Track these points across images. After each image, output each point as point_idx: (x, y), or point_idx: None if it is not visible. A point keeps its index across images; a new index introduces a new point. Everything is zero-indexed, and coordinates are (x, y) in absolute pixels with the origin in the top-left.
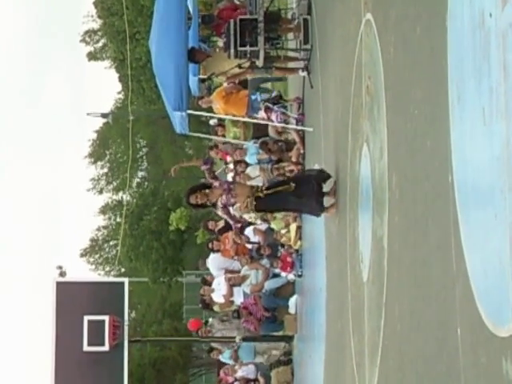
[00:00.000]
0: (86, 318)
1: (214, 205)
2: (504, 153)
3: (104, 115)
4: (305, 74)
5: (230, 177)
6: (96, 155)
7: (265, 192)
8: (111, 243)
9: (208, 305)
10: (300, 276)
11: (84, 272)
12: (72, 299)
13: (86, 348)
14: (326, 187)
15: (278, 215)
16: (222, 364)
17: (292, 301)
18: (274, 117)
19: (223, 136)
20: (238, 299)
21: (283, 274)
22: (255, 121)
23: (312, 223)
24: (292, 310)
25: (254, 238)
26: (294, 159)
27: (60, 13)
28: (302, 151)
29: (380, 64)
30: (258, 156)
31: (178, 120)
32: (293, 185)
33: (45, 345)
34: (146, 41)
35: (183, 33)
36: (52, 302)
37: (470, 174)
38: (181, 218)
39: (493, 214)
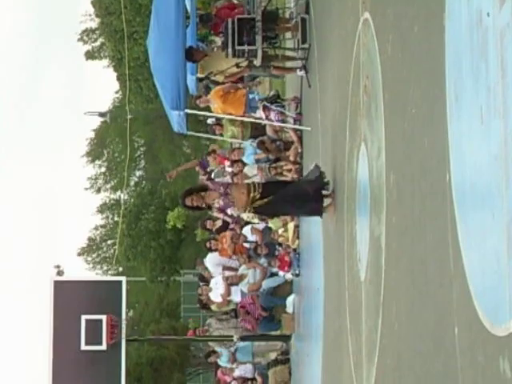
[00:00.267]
0: (84, 317)
1: (210, 207)
2: (501, 151)
3: (102, 114)
4: (302, 73)
5: (226, 179)
6: (94, 154)
7: (259, 203)
8: (109, 242)
9: (205, 305)
10: (297, 275)
11: (82, 271)
12: (69, 298)
13: (83, 347)
14: (325, 191)
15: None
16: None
17: (289, 300)
18: (272, 115)
19: (221, 135)
20: (236, 298)
21: (281, 273)
22: (253, 120)
23: (309, 222)
24: (289, 309)
25: (252, 237)
26: (291, 158)
27: (58, 12)
28: (299, 150)
29: (378, 63)
30: (255, 156)
31: (176, 119)
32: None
33: (42, 344)
34: (144, 40)
35: (181, 32)
36: (49, 301)
37: (467, 172)
38: (178, 216)
39: (490, 213)
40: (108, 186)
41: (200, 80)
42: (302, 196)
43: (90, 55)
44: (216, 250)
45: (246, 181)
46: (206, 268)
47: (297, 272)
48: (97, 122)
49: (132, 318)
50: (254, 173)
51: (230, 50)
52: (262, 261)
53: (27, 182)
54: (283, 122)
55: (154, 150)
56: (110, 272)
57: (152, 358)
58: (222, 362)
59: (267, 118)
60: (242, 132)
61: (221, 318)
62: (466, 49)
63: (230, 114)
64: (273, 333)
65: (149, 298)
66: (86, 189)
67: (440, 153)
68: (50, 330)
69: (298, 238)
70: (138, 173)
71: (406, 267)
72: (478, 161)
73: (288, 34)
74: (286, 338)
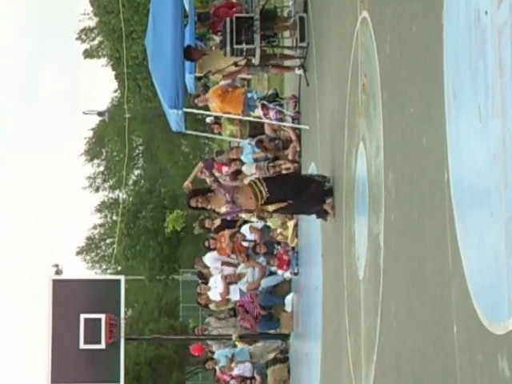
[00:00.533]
0: (83, 316)
1: (214, 211)
2: (500, 150)
3: (100, 113)
4: (301, 72)
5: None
6: (92, 153)
7: (270, 209)
8: (107, 241)
9: (205, 304)
10: (296, 274)
11: (80, 270)
12: (68, 297)
13: (82, 346)
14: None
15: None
16: None
17: (288, 299)
18: (272, 114)
19: (219, 134)
20: (235, 297)
21: (279, 272)
22: (251, 119)
23: (308, 221)
24: (288, 308)
25: (250, 236)
26: (290, 157)
27: (56, 11)
28: (298, 149)
29: (376, 62)
30: (254, 155)
31: (174, 118)
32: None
33: (41, 343)
34: (143, 39)
35: (179, 31)
36: (48, 300)
37: (465, 171)
38: (177, 219)
39: (489, 211)
40: (106, 184)
41: (198, 79)
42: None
43: (88, 54)
44: (214, 248)
45: (245, 180)
46: (205, 265)
47: (295, 271)
48: (95, 120)
49: (131, 317)
50: (252, 172)
51: (228, 48)
52: (261, 259)
53: (25, 180)
54: (282, 120)
55: (152, 148)
56: (108, 271)
57: (151, 356)
58: (220, 365)
59: (266, 116)
60: (241, 131)
61: (220, 316)
62: (464, 47)
63: (229, 113)
64: (271, 331)
65: (147, 297)
66: (85, 188)
67: (438, 151)
68: (48, 328)
69: (296, 236)
70: (136, 172)
71: (404, 266)
72: (477, 160)
73: (286, 33)
74: (284, 337)
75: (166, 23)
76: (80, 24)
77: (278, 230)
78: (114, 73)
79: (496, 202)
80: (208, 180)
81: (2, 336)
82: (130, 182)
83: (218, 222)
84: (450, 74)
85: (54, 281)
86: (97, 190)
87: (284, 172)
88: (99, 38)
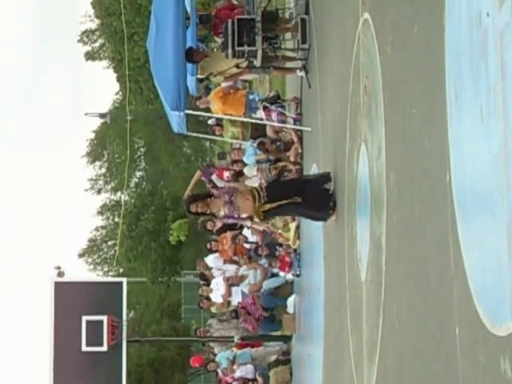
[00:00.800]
0: (84, 318)
1: (214, 215)
2: (502, 151)
3: (102, 115)
4: (303, 73)
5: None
6: (94, 155)
7: (268, 206)
8: (109, 243)
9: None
10: (298, 276)
11: (82, 272)
12: (70, 299)
13: (84, 348)
14: (328, 186)
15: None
16: None
17: (290, 300)
18: (274, 116)
19: (221, 136)
20: (237, 299)
21: (281, 273)
22: (253, 121)
23: (310, 223)
24: (290, 309)
25: (252, 238)
26: (292, 159)
27: (58, 13)
28: (299, 151)
29: (378, 63)
30: (256, 157)
31: (176, 120)
32: (298, 199)
33: (43, 345)
34: (144, 41)
35: (181, 33)
36: (50, 303)
37: (467, 172)
38: (181, 226)
39: (491, 212)
40: (108, 187)
41: (200, 81)
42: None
43: (89, 56)
44: (216, 250)
45: (246, 181)
46: (207, 267)
47: (297, 272)
48: (97, 122)
49: (133, 319)
50: (253, 173)
51: (229, 50)
52: (263, 261)
53: (27, 183)
54: (283, 122)
55: (154, 150)
56: (110, 273)
57: (153, 358)
58: (222, 367)
59: (268, 118)
60: (243, 133)
61: (222, 318)
62: (466, 49)
63: (230, 115)
64: (273, 333)
65: (149, 299)
66: (87, 190)
67: (440, 153)
68: (50, 331)
69: (298, 238)
70: (138, 174)
71: (406, 267)
72: (479, 161)
73: (288, 35)
74: (286, 339)
75: (168, 25)
76: (82, 26)
77: (280, 232)
78: (115, 75)
79: (498, 203)
80: (207, 185)
81: (4, 338)
82: (132, 183)
83: (219, 223)
84: (451, 76)
85: (56, 283)
86: (99, 192)
87: (285, 174)
88: (101, 40)
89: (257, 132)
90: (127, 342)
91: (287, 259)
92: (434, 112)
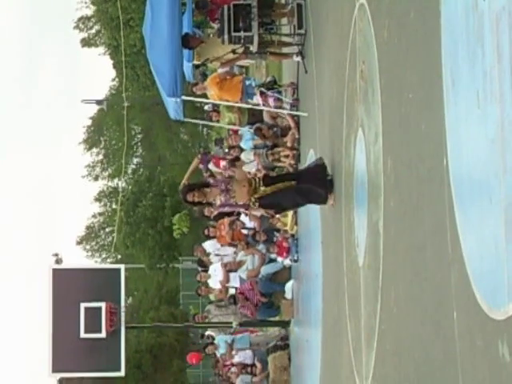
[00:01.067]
0: (83, 305)
1: (211, 204)
2: (498, 136)
3: (99, 102)
4: (299, 59)
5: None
6: (91, 142)
7: (264, 189)
8: (107, 230)
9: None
10: (296, 261)
11: (80, 259)
12: (68, 286)
13: (82, 335)
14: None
15: None
16: None
17: (288, 286)
18: (271, 101)
19: (218, 121)
20: (235, 284)
21: (279, 259)
22: (250, 106)
23: (308, 208)
24: (288, 295)
25: (250, 224)
26: (289, 144)
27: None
28: (296, 136)
29: (374, 48)
30: (253, 142)
31: (173, 106)
32: (293, 182)
33: (42, 332)
34: (140, 27)
35: (177, 19)
36: (48, 290)
37: (464, 157)
38: (182, 218)
39: (488, 197)
40: (106, 173)
41: (196, 67)
42: (305, 189)
43: (86, 43)
44: (214, 236)
45: (244, 167)
46: (205, 253)
47: (295, 258)
48: (94, 109)
49: (131, 306)
50: (250, 158)
51: (226, 36)
52: (261, 247)
53: (25, 169)
54: (280, 107)
55: (151, 137)
56: (108, 260)
57: (151, 344)
58: (220, 352)
59: (265, 104)
60: (239, 118)
61: (220, 304)
62: (462, 33)
63: (227, 101)
64: (272, 319)
65: (148, 286)
66: (84, 176)
67: (437, 137)
68: (49, 318)
69: (296, 223)
70: (135, 160)
71: (404, 252)
72: (475, 145)
73: (284, 20)
74: (285, 324)
75: (164, 11)
76: (77, 13)
77: (278, 217)
78: (112, 61)
79: (495, 187)
80: (203, 173)
81: (2, 326)
82: (129, 170)
83: (216, 212)
84: (448, 60)
85: (54, 270)
86: (96, 178)
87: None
88: (97, 27)
89: (254, 118)
90: (126, 328)
91: (285, 245)
92: (431, 97)
